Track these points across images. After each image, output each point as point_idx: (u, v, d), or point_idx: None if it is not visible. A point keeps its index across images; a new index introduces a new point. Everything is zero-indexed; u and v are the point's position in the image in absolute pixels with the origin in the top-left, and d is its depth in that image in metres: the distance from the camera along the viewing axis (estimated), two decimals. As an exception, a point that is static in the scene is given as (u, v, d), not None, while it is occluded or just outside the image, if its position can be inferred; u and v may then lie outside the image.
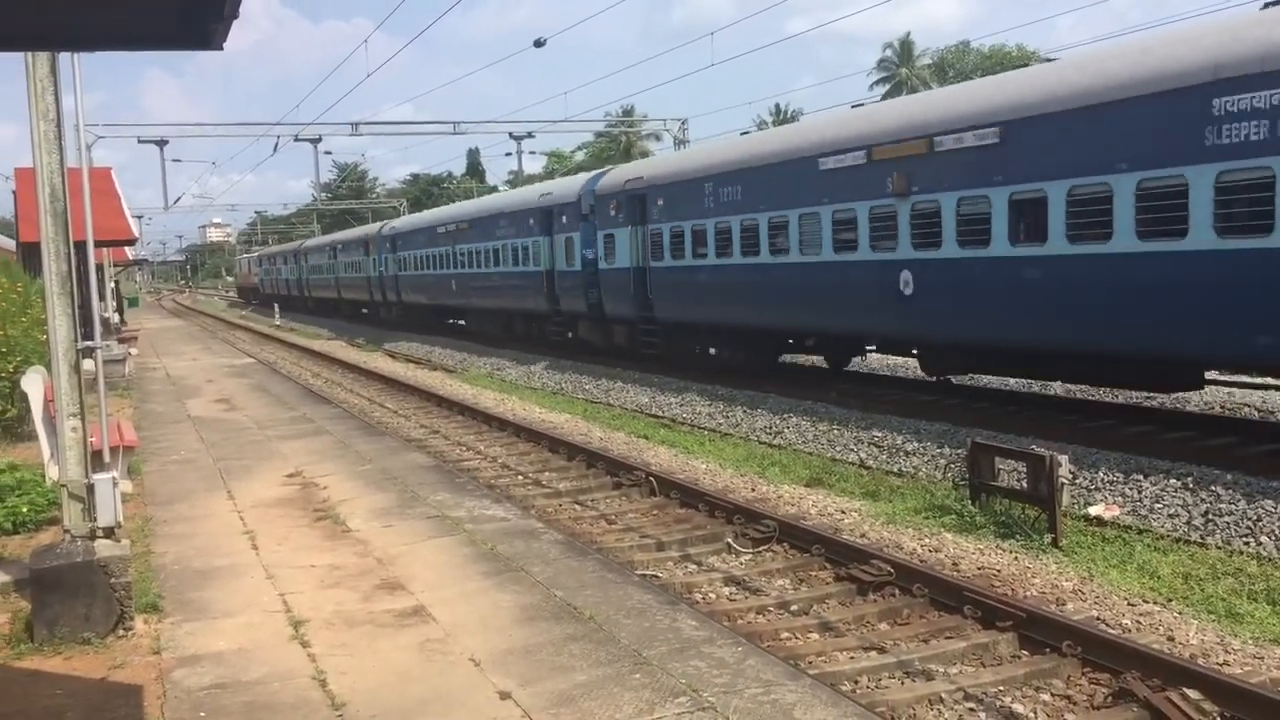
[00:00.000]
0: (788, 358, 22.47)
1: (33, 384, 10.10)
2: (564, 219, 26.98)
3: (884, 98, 58.62)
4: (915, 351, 17.36)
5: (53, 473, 9.31)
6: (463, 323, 39.91)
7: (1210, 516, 10.21)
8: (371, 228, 51.65)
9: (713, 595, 9.02)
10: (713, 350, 22.09)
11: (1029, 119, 13.07)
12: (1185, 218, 11.20)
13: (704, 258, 20.36)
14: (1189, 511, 10.40)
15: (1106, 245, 12.08)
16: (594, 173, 28.33)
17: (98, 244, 10.59)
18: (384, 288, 46.34)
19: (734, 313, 19.97)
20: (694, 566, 9.90)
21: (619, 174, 25.30)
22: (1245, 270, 10.77)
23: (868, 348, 20.37)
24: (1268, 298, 10.57)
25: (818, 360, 21.87)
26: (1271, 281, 10.52)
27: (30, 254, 23.52)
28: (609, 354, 25.33)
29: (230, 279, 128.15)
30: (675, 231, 21.34)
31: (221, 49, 3.66)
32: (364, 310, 51.92)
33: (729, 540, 10.48)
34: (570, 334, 28.09)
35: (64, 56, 7.50)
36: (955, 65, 69.51)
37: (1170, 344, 11.86)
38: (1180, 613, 8.08)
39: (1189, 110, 11.08)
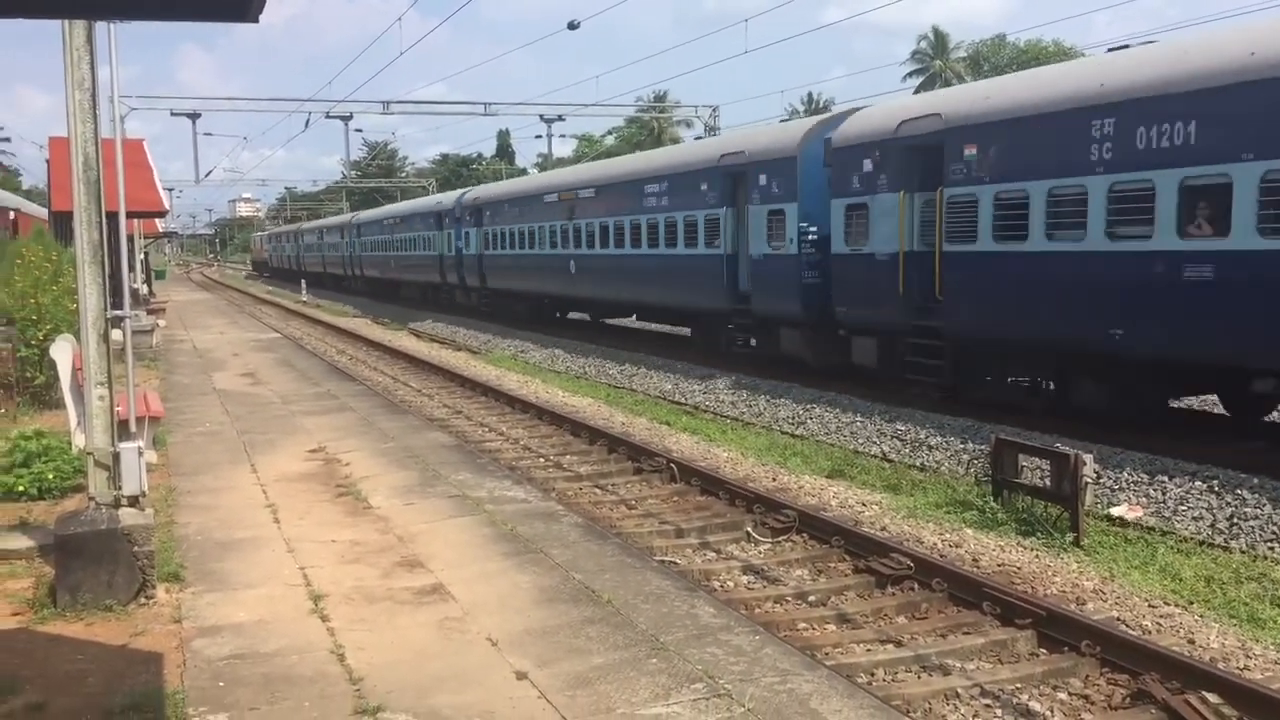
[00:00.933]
0: None
1: (61, 352, 10.18)
2: (766, 183, 19.24)
3: (917, 90, 58.27)
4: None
5: (79, 440, 9.39)
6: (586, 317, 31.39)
7: (1235, 520, 10.12)
8: (445, 197, 43.46)
9: (731, 583, 9.01)
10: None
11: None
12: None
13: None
14: (1214, 514, 10.31)
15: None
16: (821, 117, 21.15)
17: (129, 215, 10.64)
18: (461, 269, 38.08)
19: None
20: (713, 554, 9.90)
21: (881, 115, 16.80)
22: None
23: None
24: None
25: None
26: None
27: (61, 223, 23.74)
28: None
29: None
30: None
31: (257, 21, 3.66)
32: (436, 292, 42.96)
33: (748, 529, 10.47)
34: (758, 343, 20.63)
35: (100, 27, 7.54)
36: (990, 59, 68.90)
37: None
38: (1202, 616, 8.02)
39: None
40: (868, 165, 16.39)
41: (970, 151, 14.31)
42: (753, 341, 20.83)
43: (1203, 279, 11.34)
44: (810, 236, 18.22)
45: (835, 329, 17.78)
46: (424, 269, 42.88)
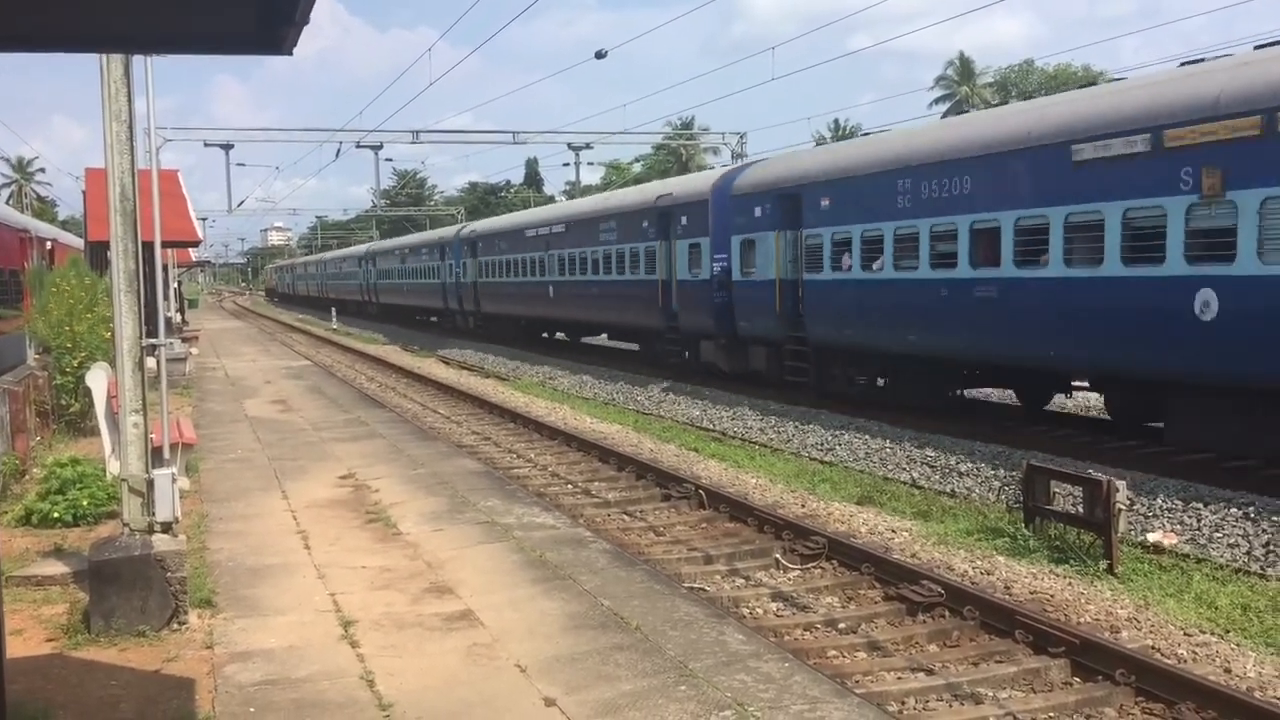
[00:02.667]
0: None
1: (97, 380, 10.30)
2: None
3: (945, 115, 58.23)
4: None
5: (113, 467, 9.49)
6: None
7: (1271, 547, 9.98)
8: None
9: (760, 610, 8.97)
10: None
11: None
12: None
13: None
14: (1249, 541, 10.18)
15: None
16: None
17: (164, 244, 10.78)
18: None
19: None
20: (742, 581, 9.86)
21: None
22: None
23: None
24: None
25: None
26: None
27: (97, 253, 24.06)
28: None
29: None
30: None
31: (291, 54, 3.73)
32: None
33: (777, 556, 10.42)
34: None
35: (136, 61, 7.68)
36: (1019, 84, 68.80)
37: None
38: (1238, 644, 7.91)
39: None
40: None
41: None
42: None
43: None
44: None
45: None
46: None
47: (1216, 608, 8.66)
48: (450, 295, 43.61)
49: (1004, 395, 19.79)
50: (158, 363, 8.55)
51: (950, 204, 15.16)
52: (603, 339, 34.41)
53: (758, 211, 20.27)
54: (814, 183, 18.69)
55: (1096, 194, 12.76)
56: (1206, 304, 11.40)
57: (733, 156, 40.53)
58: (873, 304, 17.07)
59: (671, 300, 24.04)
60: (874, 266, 16.90)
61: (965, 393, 18.55)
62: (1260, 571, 9.58)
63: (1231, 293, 11.21)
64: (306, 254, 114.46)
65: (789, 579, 9.86)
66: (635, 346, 29.71)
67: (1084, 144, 12.92)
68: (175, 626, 7.30)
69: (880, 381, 18.17)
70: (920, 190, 15.78)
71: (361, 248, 70.72)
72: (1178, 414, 12.90)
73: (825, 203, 18.20)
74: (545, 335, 36.96)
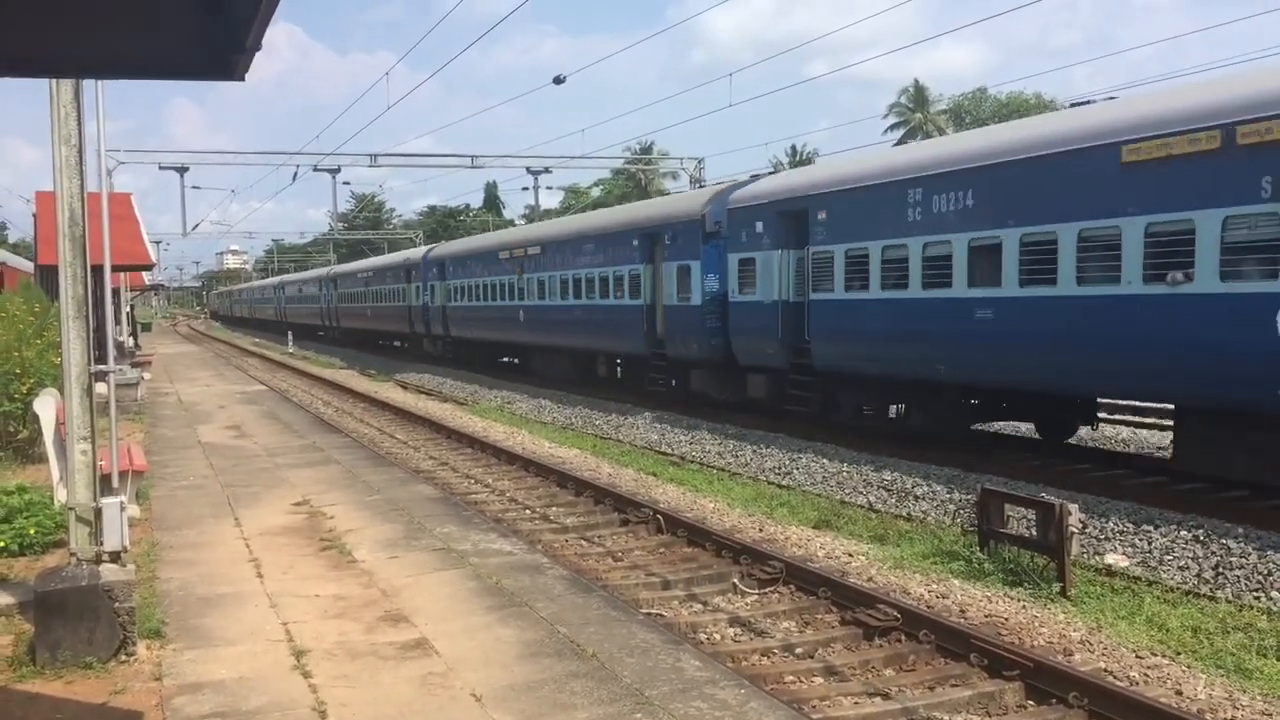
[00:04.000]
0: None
1: (45, 406, 10.13)
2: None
3: (898, 142, 58.90)
4: None
5: (61, 495, 9.32)
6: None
7: (1221, 569, 10.12)
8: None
9: (717, 636, 8.96)
10: None
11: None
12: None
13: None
14: (1199, 564, 10.32)
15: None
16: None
17: (115, 268, 10.64)
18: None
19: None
20: (699, 606, 9.84)
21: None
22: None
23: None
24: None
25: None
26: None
27: (48, 276, 23.71)
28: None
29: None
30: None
31: (243, 80, 3.71)
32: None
33: (735, 580, 10.42)
34: None
35: (88, 84, 7.60)
36: (972, 112, 69.76)
37: None
38: (1189, 666, 8.00)
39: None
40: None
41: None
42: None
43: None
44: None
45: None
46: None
47: (1168, 630, 8.76)
48: (417, 319, 42.39)
49: (1017, 429, 18.67)
50: (107, 389, 8.44)
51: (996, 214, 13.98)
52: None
53: (760, 228, 19.27)
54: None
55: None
56: None
57: (691, 181, 40.71)
58: (898, 327, 15.75)
59: (656, 326, 23.27)
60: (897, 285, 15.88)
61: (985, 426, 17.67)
62: (1210, 594, 9.71)
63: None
64: (262, 277, 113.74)
65: (746, 604, 9.86)
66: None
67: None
68: (123, 658, 7.16)
69: (892, 412, 17.48)
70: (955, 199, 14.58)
71: (321, 270, 69.42)
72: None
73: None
74: (517, 361, 35.50)
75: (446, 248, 41.46)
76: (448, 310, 38.24)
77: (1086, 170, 12.66)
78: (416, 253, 44.79)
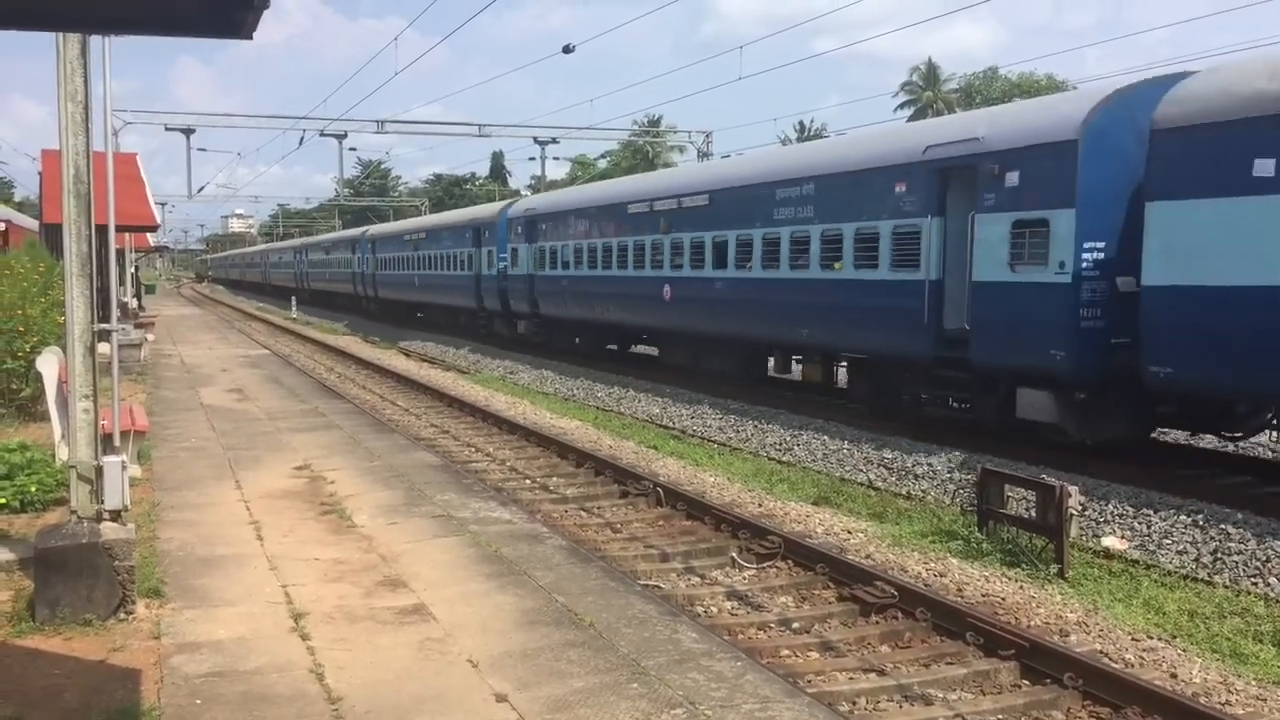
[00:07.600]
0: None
1: (48, 364, 10.14)
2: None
3: (910, 119, 58.61)
4: None
5: (63, 453, 9.34)
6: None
7: (1219, 555, 10.13)
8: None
9: (714, 609, 8.99)
10: None
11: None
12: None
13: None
14: (1198, 549, 10.33)
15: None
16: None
17: (119, 229, 10.62)
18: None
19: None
20: (697, 579, 9.87)
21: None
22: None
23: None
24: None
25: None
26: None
27: (53, 235, 23.66)
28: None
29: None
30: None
31: (250, 38, 3.66)
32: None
33: (733, 555, 10.44)
34: None
35: (95, 41, 7.55)
36: (983, 91, 69.34)
37: None
38: (1184, 650, 8.02)
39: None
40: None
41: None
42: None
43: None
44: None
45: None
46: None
47: (1164, 613, 8.78)
48: (489, 293, 33.37)
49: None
50: (110, 348, 8.43)
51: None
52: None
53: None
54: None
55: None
56: None
57: (699, 155, 40.58)
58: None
59: (945, 314, 14.41)
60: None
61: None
62: (1207, 578, 9.72)
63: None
64: (267, 242, 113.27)
65: (744, 578, 9.88)
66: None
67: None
68: (122, 616, 7.19)
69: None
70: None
71: (354, 231, 58.60)
72: None
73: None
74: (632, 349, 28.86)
75: (539, 200, 32.90)
76: (537, 282, 29.54)
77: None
78: (490, 209, 36.14)
